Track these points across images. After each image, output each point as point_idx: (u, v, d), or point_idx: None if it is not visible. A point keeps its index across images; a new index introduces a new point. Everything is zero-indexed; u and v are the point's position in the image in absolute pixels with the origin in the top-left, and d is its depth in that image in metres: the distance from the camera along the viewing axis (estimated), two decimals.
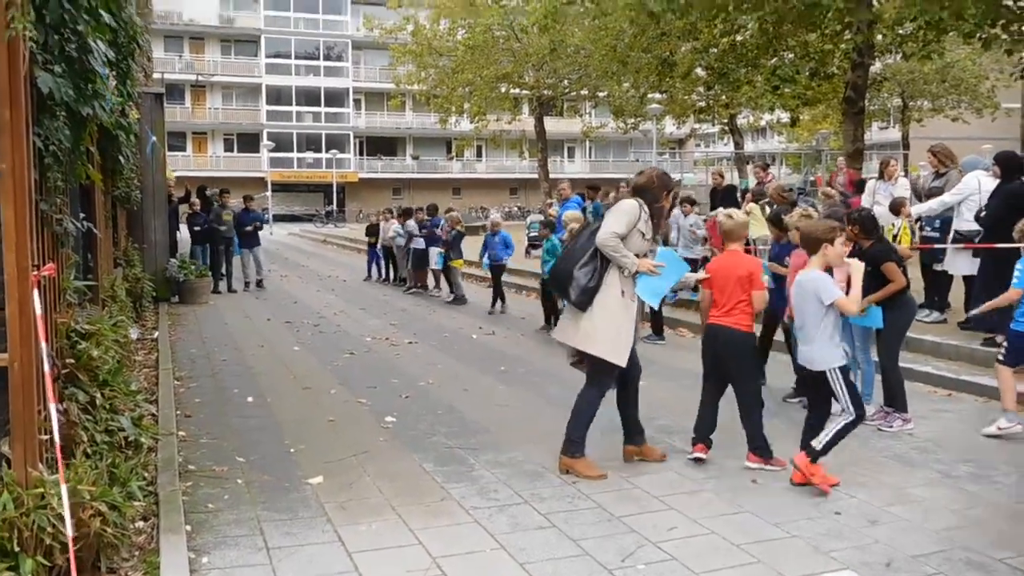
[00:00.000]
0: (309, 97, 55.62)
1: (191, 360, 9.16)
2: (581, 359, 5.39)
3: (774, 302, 6.84)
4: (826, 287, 4.92)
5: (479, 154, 58.20)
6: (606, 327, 5.15)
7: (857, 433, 5.99)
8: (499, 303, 12.93)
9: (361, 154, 57.75)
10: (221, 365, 8.96)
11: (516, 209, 51.48)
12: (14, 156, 3.52)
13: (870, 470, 5.38)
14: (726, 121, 29.97)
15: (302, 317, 12.56)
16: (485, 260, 13.36)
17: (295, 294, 15.72)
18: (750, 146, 48.27)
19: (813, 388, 5.19)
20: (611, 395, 5.52)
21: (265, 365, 8.95)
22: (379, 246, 17.90)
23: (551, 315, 11.02)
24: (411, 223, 15.77)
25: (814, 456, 4.96)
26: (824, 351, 4.95)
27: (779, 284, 7.03)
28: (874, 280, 6.11)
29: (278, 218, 46.29)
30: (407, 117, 56.27)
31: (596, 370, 5.27)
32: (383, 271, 17.99)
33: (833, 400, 5.08)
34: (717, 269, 5.50)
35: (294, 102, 55.24)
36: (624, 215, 5.19)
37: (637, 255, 5.19)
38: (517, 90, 34.57)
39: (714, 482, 5.15)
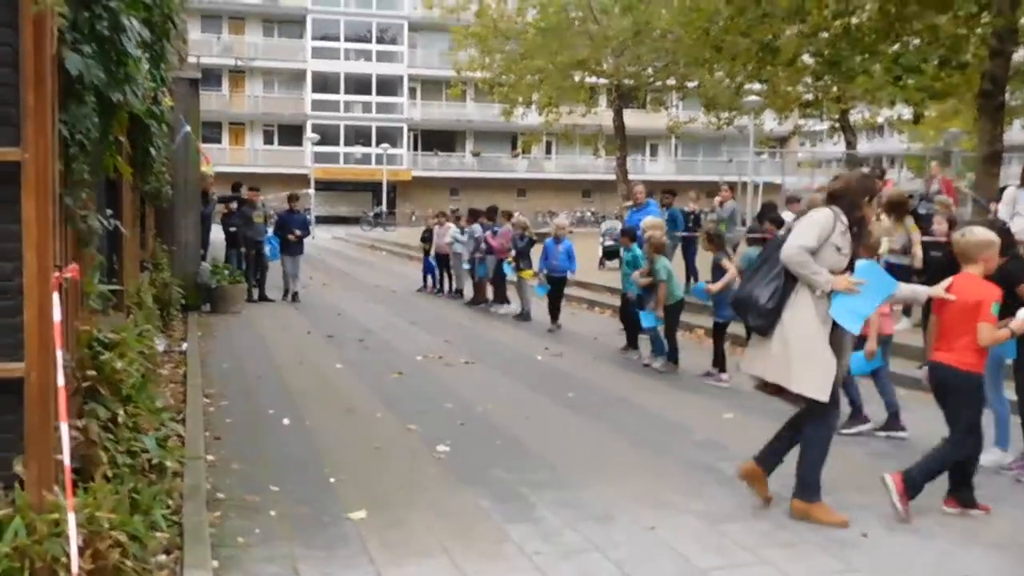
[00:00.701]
0: (359, 85, 56.57)
1: (222, 376, 9.34)
2: (767, 385, 5.37)
3: None
4: None
5: (548, 151, 58.26)
6: (802, 357, 5.09)
7: (988, 484, 5.80)
8: (554, 320, 13.09)
9: (415, 149, 58.40)
10: (255, 382, 9.11)
11: (589, 214, 51.44)
12: (38, 144, 3.63)
13: (1005, 529, 5.18)
14: (837, 117, 29.45)
15: (346, 331, 12.73)
16: (543, 270, 13.35)
17: (338, 305, 15.93)
18: (864, 146, 47.40)
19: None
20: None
21: (304, 383, 9.08)
22: (432, 254, 18.03)
23: (632, 335, 11.02)
24: (477, 227, 15.82)
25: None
26: None
27: None
28: (1008, 303, 5.98)
29: (321, 220, 47.08)
30: (468, 108, 56.73)
31: (812, 406, 5.22)
32: (438, 281, 18.14)
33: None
34: (950, 293, 5.37)
35: (342, 90, 56.24)
36: (815, 226, 5.09)
37: (832, 272, 5.10)
38: (594, 79, 34.55)
39: (816, 533, 5.03)
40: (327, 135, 53.57)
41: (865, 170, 15.47)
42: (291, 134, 55.88)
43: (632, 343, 11.05)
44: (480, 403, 8.27)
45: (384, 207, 51.04)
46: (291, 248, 16.26)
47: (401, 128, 57.22)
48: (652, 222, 10.56)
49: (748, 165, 25.94)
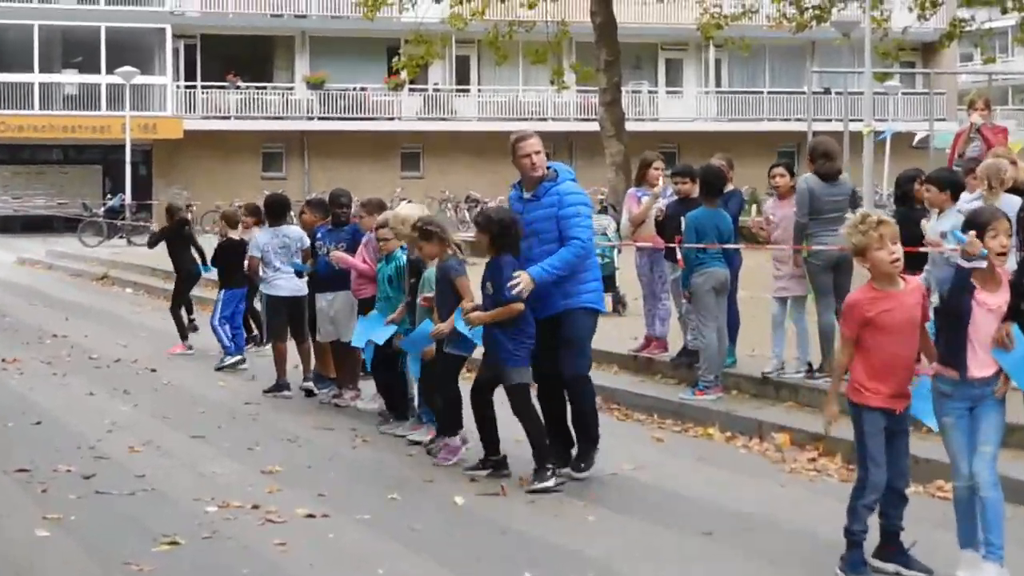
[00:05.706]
0: None
1: None
2: None
3: None
4: None
5: (462, 79, 58.75)
6: None
7: None
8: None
9: (191, 77, 58.44)
10: None
11: None
12: None
13: None
14: None
15: (54, 457, 12.57)
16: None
17: (36, 402, 15.83)
18: None
19: None
20: None
21: None
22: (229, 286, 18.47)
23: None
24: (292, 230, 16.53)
25: None
26: None
27: None
28: None
29: None
30: None
31: None
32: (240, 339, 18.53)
33: None
34: None
35: None
36: None
37: None
38: None
39: None
40: (8, 47, 53.30)
41: None
42: None
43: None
44: None
45: (128, 195, 50.75)
46: None
47: (161, 32, 57.25)
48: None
49: (863, 101, 26.24)
